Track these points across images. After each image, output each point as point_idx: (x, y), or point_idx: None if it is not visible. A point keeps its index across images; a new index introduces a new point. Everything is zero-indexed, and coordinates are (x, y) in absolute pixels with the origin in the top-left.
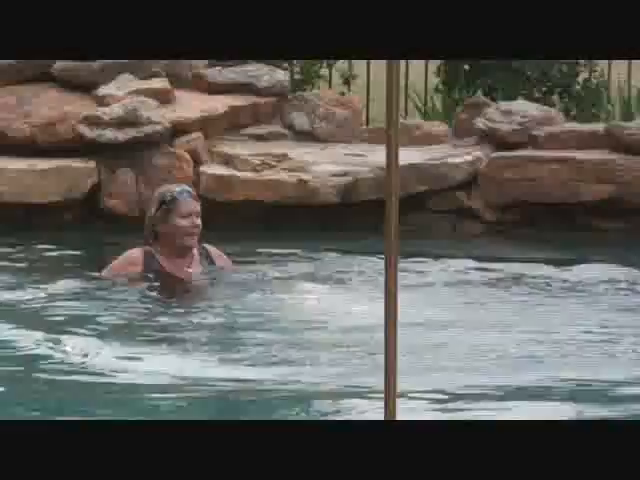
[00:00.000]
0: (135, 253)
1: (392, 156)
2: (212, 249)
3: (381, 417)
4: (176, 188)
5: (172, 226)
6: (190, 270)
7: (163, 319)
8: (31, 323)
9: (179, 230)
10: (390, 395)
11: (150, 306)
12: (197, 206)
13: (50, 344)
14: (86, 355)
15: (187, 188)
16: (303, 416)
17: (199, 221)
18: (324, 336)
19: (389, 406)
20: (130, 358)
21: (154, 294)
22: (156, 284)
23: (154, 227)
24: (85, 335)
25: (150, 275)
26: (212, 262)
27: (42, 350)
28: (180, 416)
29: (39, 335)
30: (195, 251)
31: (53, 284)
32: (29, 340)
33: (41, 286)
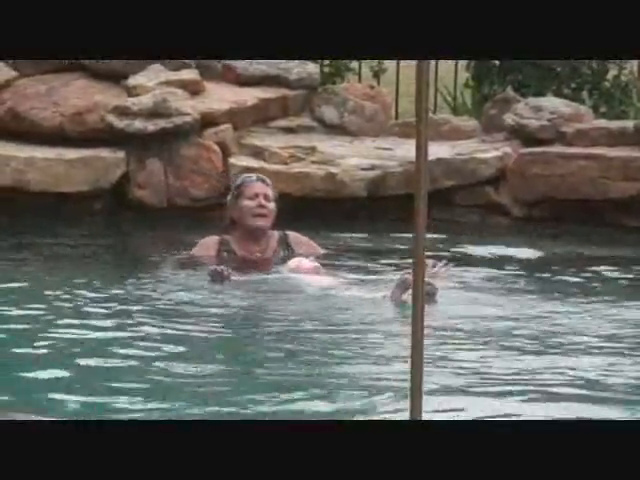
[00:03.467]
0: (210, 239)
1: (422, 150)
2: (293, 236)
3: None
4: (248, 174)
5: (239, 209)
6: (259, 254)
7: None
8: None
9: (245, 211)
10: (416, 394)
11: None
12: (265, 189)
13: None
14: None
15: (258, 174)
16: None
17: (269, 204)
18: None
19: (415, 405)
20: None
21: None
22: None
23: (230, 213)
24: None
25: (224, 257)
26: (291, 249)
27: None
28: None
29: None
30: (274, 237)
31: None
32: None
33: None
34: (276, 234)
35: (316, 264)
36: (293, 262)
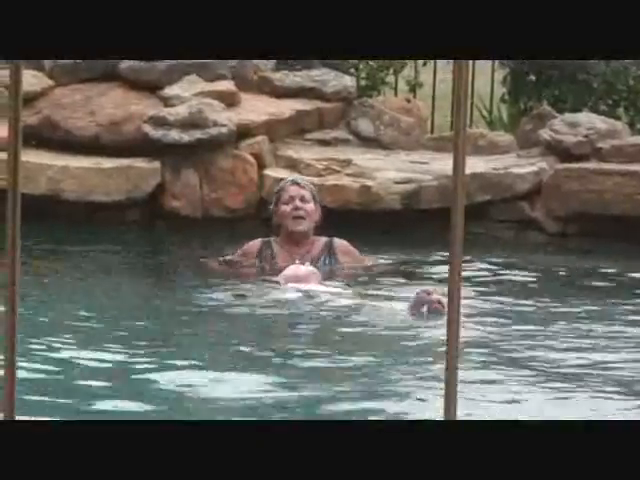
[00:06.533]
0: (252, 244)
1: (459, 163)
2: (340, 243)
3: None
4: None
5: (280, 214)
6: (298, 262)
7: None
8: None
9: (282, 215)
10: (451, 394)
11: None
12: (299, 191)
13: None
14: None
15: (295, 176)
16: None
17: (305, 205)
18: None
19: (450, 404)
20: None
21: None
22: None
23: (274, 219)
24: None
25: (264, 263)
26: (335, 257)
27: None
28: None
29: None
30: (318, 243)
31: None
32: None
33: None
34: (322, 240)
35: (313, 270)
36: (289, 269)
